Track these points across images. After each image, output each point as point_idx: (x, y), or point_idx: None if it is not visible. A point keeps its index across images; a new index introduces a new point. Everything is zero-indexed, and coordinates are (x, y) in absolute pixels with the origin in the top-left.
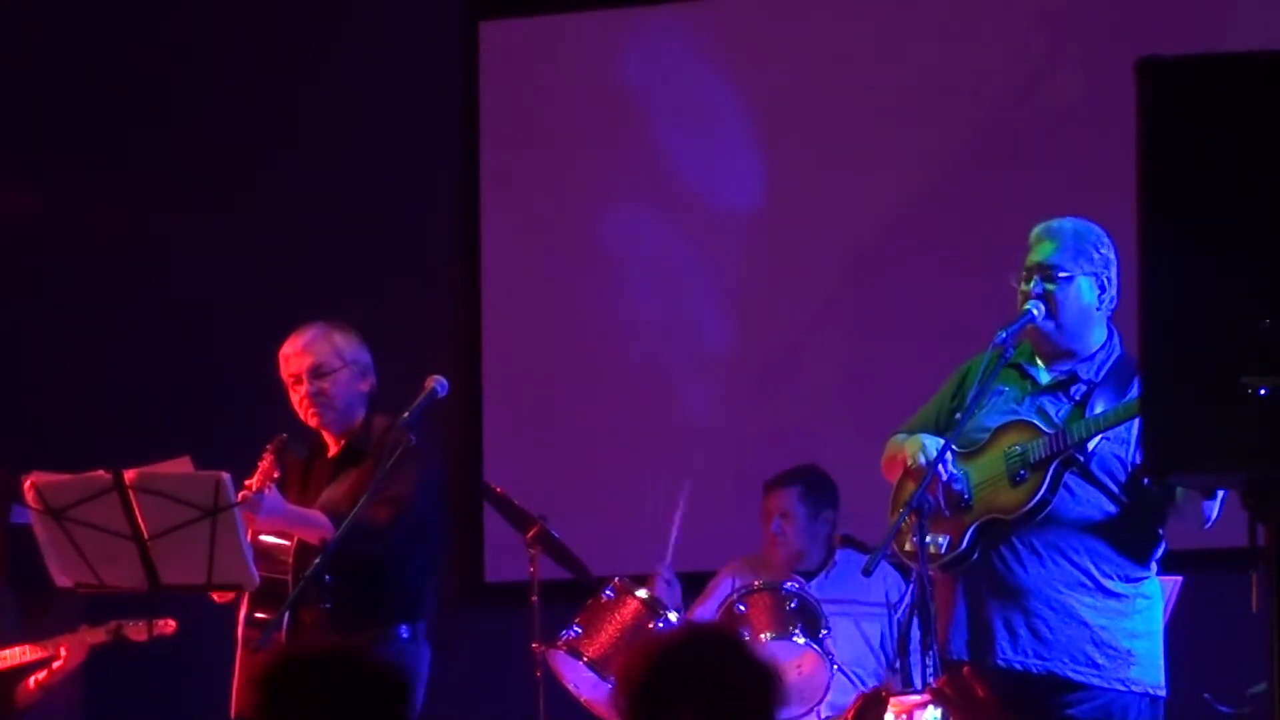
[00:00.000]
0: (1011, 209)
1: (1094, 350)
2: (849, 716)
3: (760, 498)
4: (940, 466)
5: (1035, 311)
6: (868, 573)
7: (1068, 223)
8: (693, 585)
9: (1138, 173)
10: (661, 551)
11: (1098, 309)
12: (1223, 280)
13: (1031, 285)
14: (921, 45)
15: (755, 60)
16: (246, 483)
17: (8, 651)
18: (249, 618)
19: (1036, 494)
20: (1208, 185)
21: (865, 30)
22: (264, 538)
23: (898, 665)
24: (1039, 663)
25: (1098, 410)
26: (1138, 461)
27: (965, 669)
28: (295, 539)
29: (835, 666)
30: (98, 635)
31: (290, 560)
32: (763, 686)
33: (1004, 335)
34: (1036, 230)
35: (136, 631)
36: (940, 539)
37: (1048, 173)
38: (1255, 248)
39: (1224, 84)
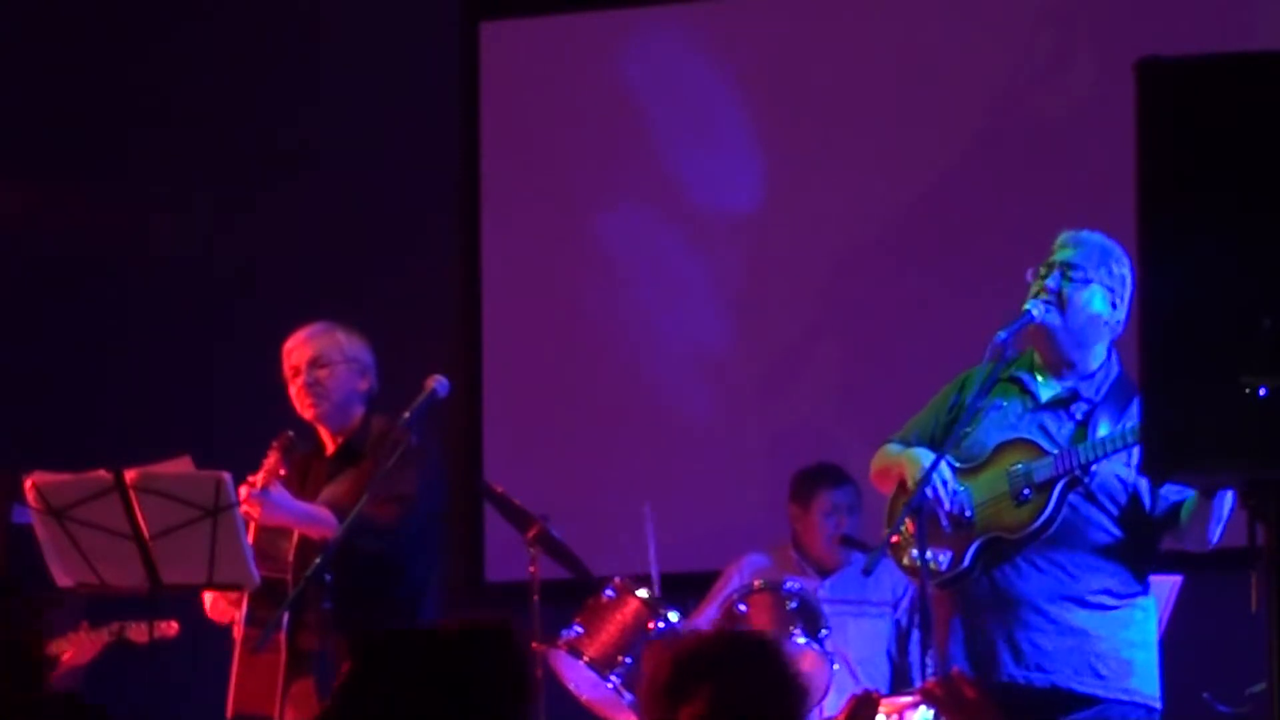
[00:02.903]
0: (1014, 209)
1: (1094, 368)
2: (841, 718)
3: (754, 493)
4: (941, 487)
5: (1035, 312)
6: (868, 572)
7: (1095, 235)
8: (694, 586)
9: (1137, 173)
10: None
11: (1105, 322)
12: (1223, 281)
13: (1048, 278)
14: (923, 46)
15: (756, 61)
16: (250, 478)
17: None
18: (249, 617)
19: (1042, 514)
20: (1207, 186)
21: (866, 32)
22: (262, 539)
23: (897, 662)
24: (1042, 676)
25: (1100, 430)
26: (1138, 485)
27: (955, 669)
28: (296, 539)
29: (835, 666)
30: (100, 636)
31: (290, 560)
32: (792, 697)
33: (1004, 336)
34: (1065, 235)
35: (138, 633)
36: (941, 556)
37: (1051, 174)
38: (1255, 248)
39: (1224, 84)
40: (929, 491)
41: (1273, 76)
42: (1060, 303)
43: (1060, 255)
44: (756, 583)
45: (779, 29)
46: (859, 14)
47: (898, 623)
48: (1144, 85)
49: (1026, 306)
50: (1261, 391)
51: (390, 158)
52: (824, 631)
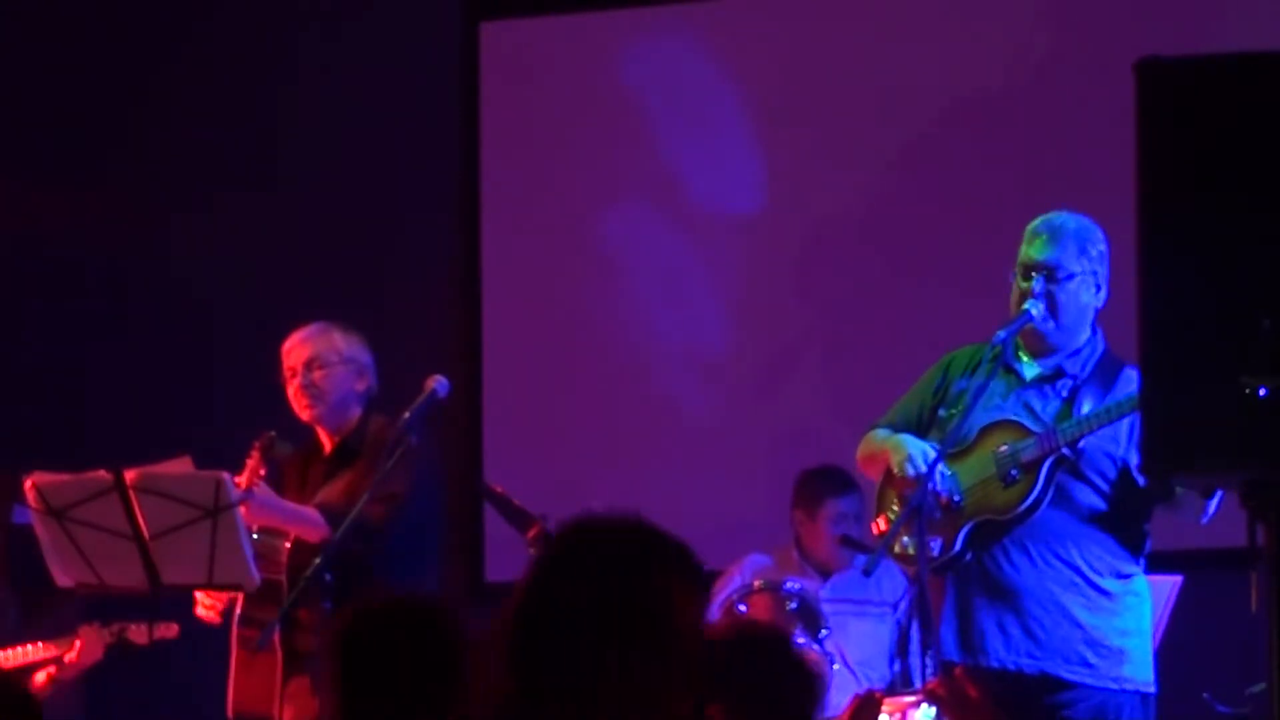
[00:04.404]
0: (1013, 208)
1: (1079, 345)
2: (844, 718)
3: (749, 494)
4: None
5: (1035, 311)
6: (868, 573)
7: (1068, 219)
8: None
9: (1137, 173)
10: None
11: (1093, 308)
12: (1223, 280)
13: (1033, 283)
14: (923, 45)
15: (755, 61)
16: (235, 480)
17: (12, 651)
18: (245, 617)
19: (1030, 494)
20: (1207, 185)
21: (866, 30)
22: (257, 537)
23: (898, 666)
24: (1032, 663)
25: (1085, 407)
26: (1128, 458)
27: (958, 669)
28: (291, 539)
29: (835, 666)
30: (101, 637)
31: (285, 561)
32: (803, 688)
33: (1003, 335)
34: (1035, 225)
35: (139, 634)
36: (932, 542)
37: (1050, 172)
38: (1255, 248)
39: (1223, 84)
40: (919, 477)
41: (1273, 76)
42: (1051, 307)
43: (1038, 254)
44: (756, 583)
45: (779, 29)
46: (858, 14)
47: (899, 623)
48: (1144, 85)
49: (1026, 307)
50: (1261, 391)
51: (390, 158)
52: (824, 632)
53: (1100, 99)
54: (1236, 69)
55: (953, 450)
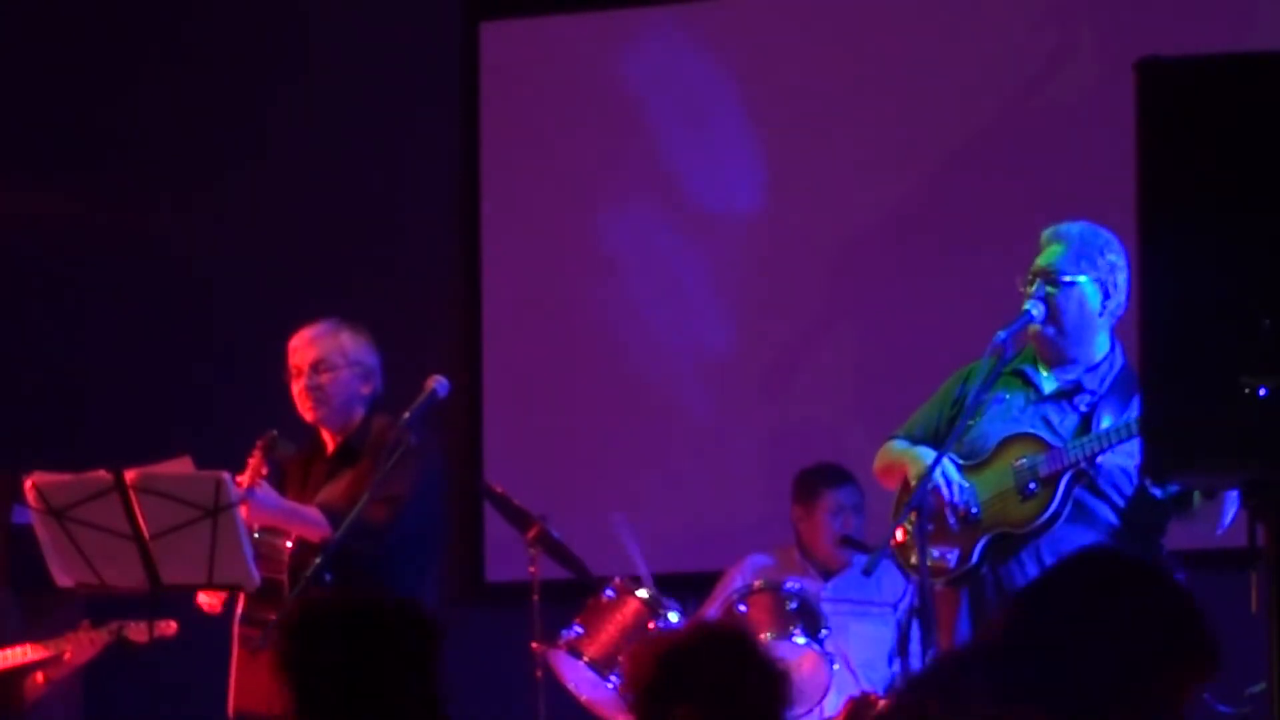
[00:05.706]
0: (1015, 207)
1: (1098, 360)
2: (840, 719)
3: (757, 493)
4: (946, 486)
5: (1034, 312)
6: (868, 573)
7: (1075, 226)
8: (694, 586)
9: (1137, 173)
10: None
11: (1100, 315)
12: (1223, 280)
13: (1034, 288)
14: (924, 44)
15: (756, 60)
16: (237, 479)
17: (11, 651)
18: (246, 617)
19: (1048, 508)
20: (1207, 185)
21: (867, 29)
22: (259, 536)
23: (898, 666)
24: None
25: (1104, 423)
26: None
27: None
28: (293, 539)
29: (835, 666)
30: (101, 636)
31: (286, 560)
32: (770, 688)
33: (1003, 336)
34: (1046, 233)
35: (138, 632)
36: (949, 553)
37: (1052, 171)
38: (1255, 248)
39: (1223, 84)
40: (937, 487)
41: (1273, 76)
42: (1052, 311)
43: (1042, 260)
44: (757, 583)
45: (778, 28)
46: (858, 12)
47: (899, 623)
48: (1144, 85)
49: (1026, 306)
50: (1261, 391)
51: (390, 158)
52: (824, 632)
53: (1101, 100)
54: (1236, 69)
55: (971, 462)
